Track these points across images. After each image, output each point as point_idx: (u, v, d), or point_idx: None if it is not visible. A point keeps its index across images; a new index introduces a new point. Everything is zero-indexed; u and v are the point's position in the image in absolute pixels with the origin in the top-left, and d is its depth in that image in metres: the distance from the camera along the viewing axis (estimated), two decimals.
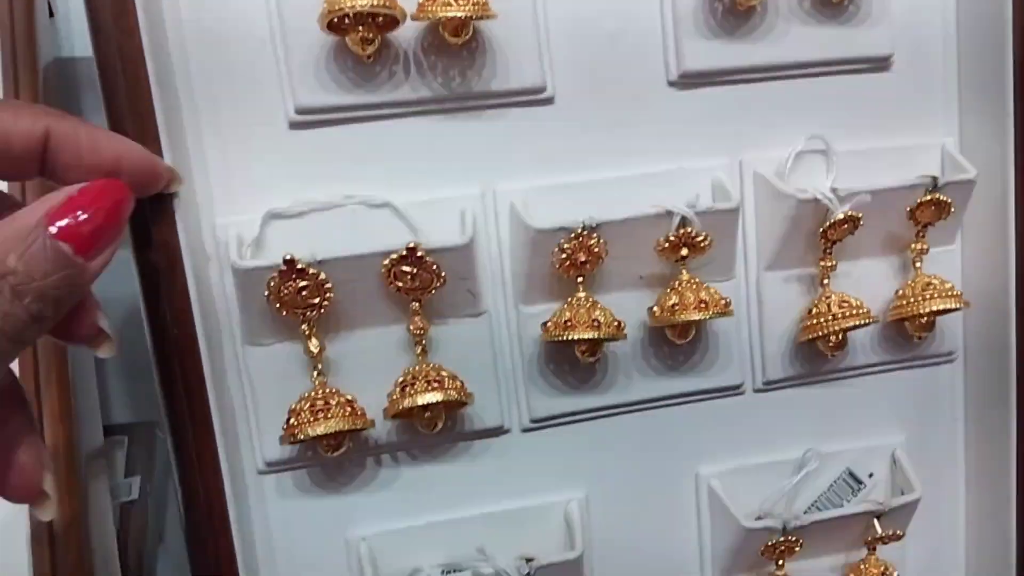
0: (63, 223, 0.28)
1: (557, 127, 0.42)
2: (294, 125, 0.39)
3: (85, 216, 0.29)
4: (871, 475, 0.49)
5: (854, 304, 0.43)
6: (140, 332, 0.39)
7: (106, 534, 0.49)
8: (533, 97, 0.41)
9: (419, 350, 0.40)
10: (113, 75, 0.34)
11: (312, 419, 0.38)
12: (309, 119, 0.39)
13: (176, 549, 0.76)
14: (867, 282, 0.45)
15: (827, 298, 0.44)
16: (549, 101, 0.42)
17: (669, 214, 0.40)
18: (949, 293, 0.44)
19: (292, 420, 0.38)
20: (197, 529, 0.40)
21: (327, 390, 0.39)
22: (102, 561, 0.46)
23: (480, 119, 0.41)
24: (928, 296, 0.44)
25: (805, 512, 0.47)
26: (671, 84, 0.43)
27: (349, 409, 0.39)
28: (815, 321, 0.43)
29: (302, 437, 0.38)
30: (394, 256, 0.38)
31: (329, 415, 0.38)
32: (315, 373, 0.40)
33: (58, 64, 0.51)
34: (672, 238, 0.41)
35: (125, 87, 0.35)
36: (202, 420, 0.38)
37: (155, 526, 0.71)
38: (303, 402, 0.39)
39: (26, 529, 0.44)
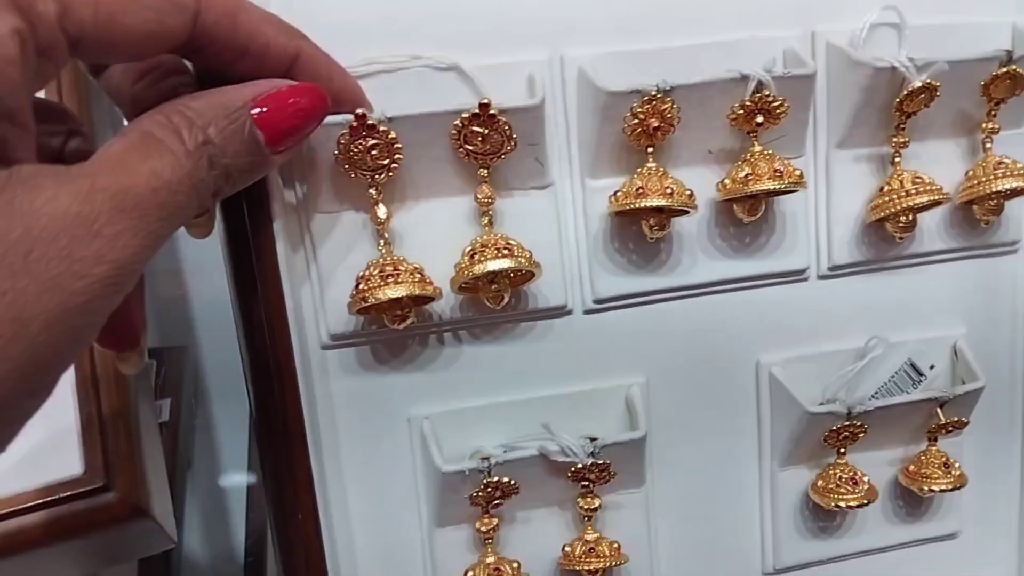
0: (265, 110, 0.30)
1: None
2: None
3: (286, 112, 0.30)
4: (932, 367, 0.48)
5: (927, 181, 0.42)
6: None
7: (152, 433, 0.48)
8: None
9: (485, 221, 0.39)
10: None
11: (382, 283, 0.37)
12: None
13: (204, 474, 0.75)
14: (937, 163, 0.44)
15: (899, 175, 0.43)
16: None
17: (744, 79, 0.39)
18: (1020, 172, 0.43)
19: (361, 285, 0.37)
20: (265, 399, 0.39)
21: (395, 257, 0.38)
22: (150, 454, 0.45)
23: None
24: (999, 175, 0.43)
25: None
26: None
27: (419, 276, 0.38)
28: (887, 199, 0.42)
29: (372, 301, 0.37)
30: (466, 115, 0.36)
31: (399, 280, 0.37)
32: (382, 242, 0.38)
33: None
34: (748, 103, 0.39)
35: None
36: (273, 285, 0.37)
37: (184, 450, 0.70)
38: (372, 268, 0.38)
39: (75, 417, 0.43)
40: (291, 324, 0.39)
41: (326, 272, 0.39)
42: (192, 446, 0.72)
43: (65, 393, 0.43)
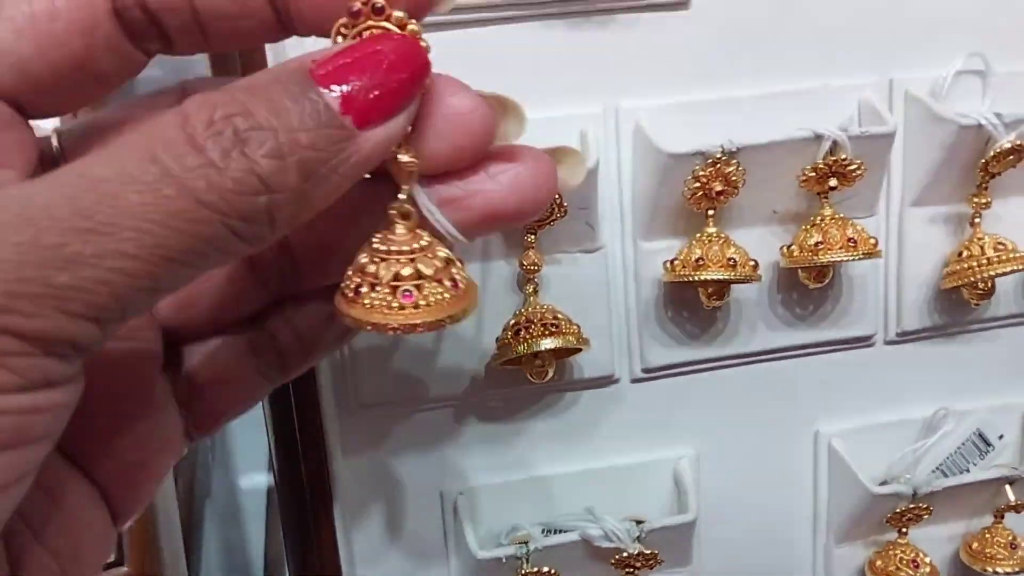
0: (330, 72, 0.20)
1: (689, 37, 0.36)
2: None
3: (363, 71, 0.20)
4: (1001, 437, 0.44)
5: (1010, 247, 0.39)
6: None
7: (168, 500, 0.46)
8: (665, 0, 0.36)
9: (531, 289, 0.36)
10: None
11: (543, 333, 0.35)
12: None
13: (222, 503, 0.73)
14: (1019, 223, 0.41)
15: (980, 239, 0.39)
16: (683, 5, 0.36)
17: (818, 138, 0.36)
18: None
19: (522, 333, 0.35)
20: (290, 466, 0.36)
21: (547, 305, 0.36)
22: (165, 525, 0.43)
23: (604, 26, 0.36)
24: None
25: (932, 475, 0.43)
26: None
27: (576, 327, 0.36)
28: (966, 265, 0.39)
29: (533, 349, 0.35)
30: None
31: (562, 331, 0.35)
32: (531, 288, 0.36)
33: None
34: (821, 166, 0.36)
35: None
36: None
37: (203, 481, 0.68)
38: (520, 317, 0.35)
39: None
40: (320, 387, 0.36)
41: (358, 341, 0.36)
42: (210, 477, 0.70)
43: None
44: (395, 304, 0.21)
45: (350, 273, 0.22)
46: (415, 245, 0.22)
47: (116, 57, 0.22)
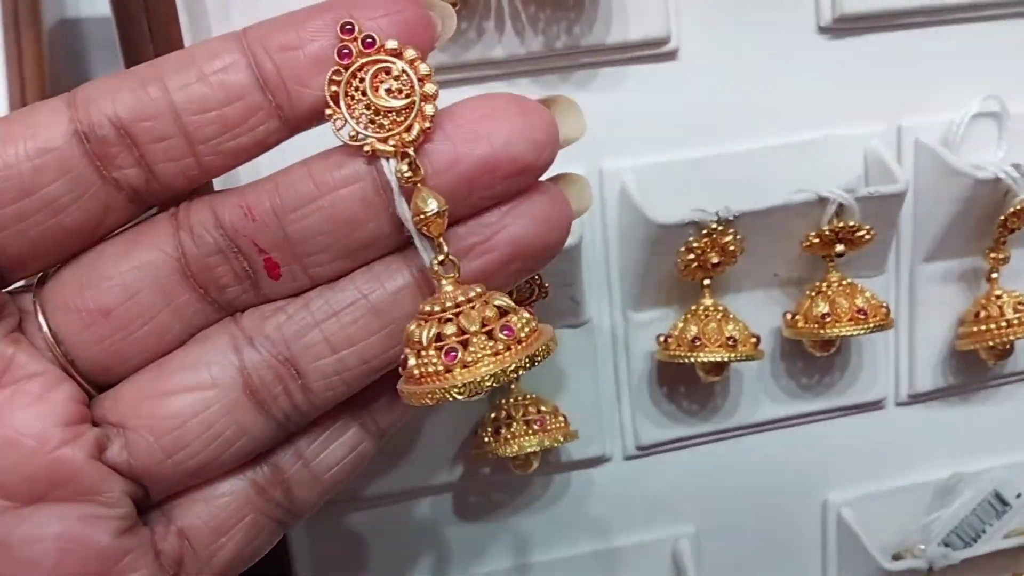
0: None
1: (678, 89, 0.33)
2: None
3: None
4: (1019, 495, 0.42)
5: None
6: None
7: None
8: (653, 51, 0.32)
9: None
10: (137, 34, 0.25)
11: (527, 431, 0.32)
12: None
13: None
14: None
15: (998, 299, 0.36)
16: (671, 56, 0.33)
17: (822, 201, 0.32)
18: None
19: (503, 432, 0.32)
20: None
21: (532, 396, 0.33)
22: None
23: (586, 80, 0.32)
24: None
25: (945, 543, 0.40)
26: (823, 31, 0.34)
27: (563, 421, 0.32)
28: (983, 327, 0.36)
29: (514, 451, 0.31)
30: None
31: (547, 428, 0.32)
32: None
33: (65, 26, 0.42)
34: (826, 232, 0.32)
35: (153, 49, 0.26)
36: None
37: None
38: (506, 411, 0.32)
39: None
40: None
41: None
42: None
43: None
44: (500, 347, 0.19)
45: (421, 350, 0.20)
46: (475, 291, 0.20)
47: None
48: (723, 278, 0.35)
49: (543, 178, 0.22)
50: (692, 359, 0.32)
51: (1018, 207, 0.34)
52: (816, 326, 0.33)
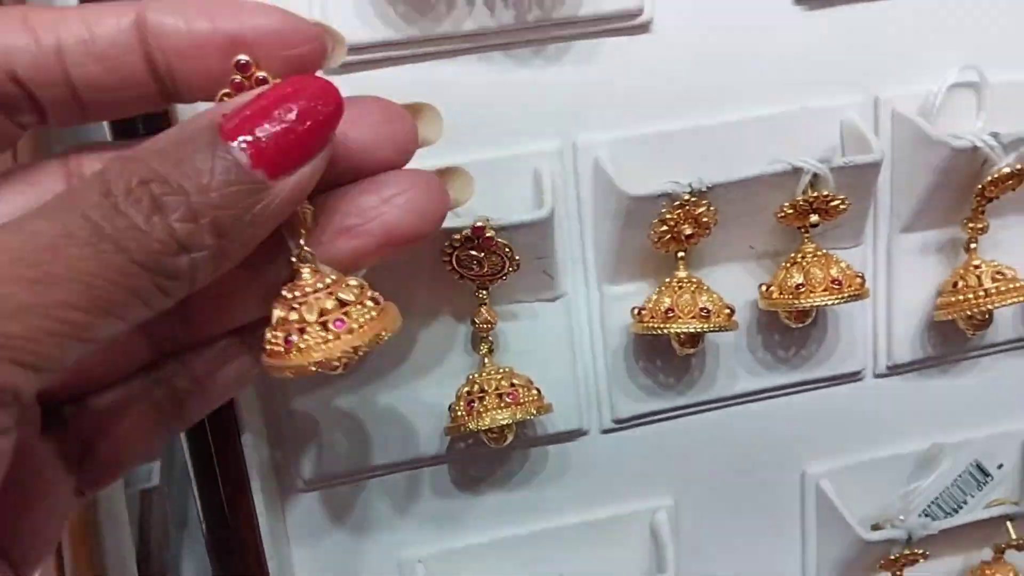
0: (238, 125, 0.20)
1: (652, 62, 0.33)
2: None
3: (273, 120, 0.20)
4: (1000, 466, 0.42)
5: (1009, 276, 0.35)
6: None
7: (120, 527, 0.43)
8: (626, 23, 0.32)
9: (485, 349, 0.33)
10: None
11: (499, 404, 0.32)
12: (350, 59, 0.30)
13: (200, 535, 0.70)
14: (1017, 247, 0.37)
15: (976, 268, 0.36)
16: (645, 28, 0.32)
17: (796, 171, 0.32)
18: None
19: (476, 405, 0.32)
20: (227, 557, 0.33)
21: (506, 369, 0.33)
22: (116, 558, 0.40)
23: (559, 53, 0.32)
24: None
25: (926, 513, 0.41)
26: (799, 1, 0.33)
27: (536, 394, 0.33)
28: (961, 297, 0.36)
29: (486, 425, 0.31)
30: (457, 237, 0.30)
31: (520, 401, 0.32)
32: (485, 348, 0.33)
33: None
34: (800, 202, 0.32)
35: None
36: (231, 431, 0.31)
37: (177, 512, 0.65)
38: (475, 384, 0.32)
39: None
40: (256, 468, 0.33)
41: (299, 413, 0.33)
42: (186, 505, 0.67)
43: None
44: (330, 337, 0.22)
45: (272, 330, 0.22)
46: (327, 281, 0.23)
47: None
48: (699, 251, 0.34)
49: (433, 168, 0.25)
50: (666, 330, 0.32)
51: (995, 176, 0.34)
52: (791, 297, 0.33)
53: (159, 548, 0.56)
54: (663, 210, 0.31)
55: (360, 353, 0.22)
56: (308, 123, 0.21)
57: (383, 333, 0.22)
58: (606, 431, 0.37)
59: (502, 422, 0.31)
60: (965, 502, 0.41)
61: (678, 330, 0.32)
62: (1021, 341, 0.40)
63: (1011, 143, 0.33)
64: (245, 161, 0.20)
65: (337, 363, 0.22)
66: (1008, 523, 0.40)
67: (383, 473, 0.35)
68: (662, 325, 0.32)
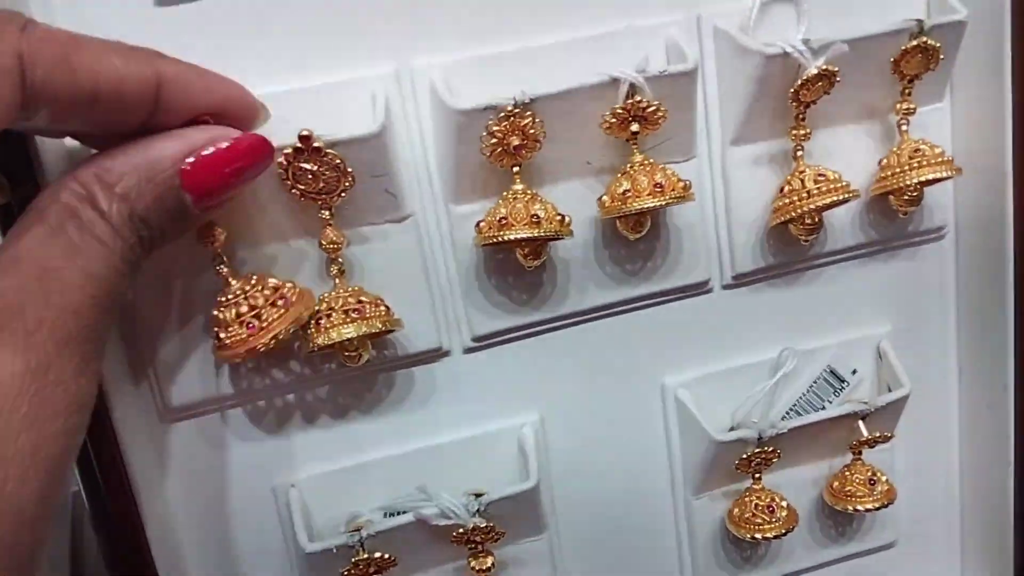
0: (193, 168, 0.27)
1: None
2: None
3: (220, 173, 0.28)
4: (855, 372, 0.44)
5: (831, 178, 0.38)
6: None
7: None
8: None
9: (335, 270, 0.34)
10: None
11: (345, 320, 0.33)
12: None
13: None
14: (846, 153, 0.40)
15: (800, 173, 0.38)
16: None
17: (615, 82, 0.34)
18: (939, 160, 0.39)
19: (323, 322, 0.33)
20: (94, 492, 0.34)
21: (354, 288, 0.34)
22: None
23: None
24: (916, 165, 0.39)
25: (783, 418, 0.43)
26: None
27: (384, 309, 0.34)
28: (788, 200, 0.38)
29: (334, 339, 0.33)
30: (287, 150, 0.31)
31: (366, 316, 0.33)
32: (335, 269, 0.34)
33: None
34: (619, 110, 0.34)
35: None
36: None
37: None
38: (328, 303, 0.33)
39: None
40: (114, 394, 0.34)
41: (164, 341, 0.34)
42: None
43: None
44: (244, 334, 0.31)
45: (212, 328, 0.32)
46: (247, 287, 0.32)
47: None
48: (538, 168, 0.36)
49: None
50: (500, 238, 0.34)
51: (806, 78, 0.36)
52: (619, 203, 0.35)
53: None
54: (490, 122, 0.33)
55: (274, 344, 0.31)
56: (244, 177, 0.29)
57: (292, 325, 0.32)
58: (468, 350, 0.39)
59: (347, 335, 0.32)
60: (823, 407, 0.43)
61: (511, 237, 0.34)
62: (860, 248, 0.42)
63: (820, 48, 0.36)
64: (189, 202, 0.28)
65: (257, 352, 0.31)
66: (860, 422, 0.42)
67: (250, 401, 0.36)
68: (497, 234, 0.34)
